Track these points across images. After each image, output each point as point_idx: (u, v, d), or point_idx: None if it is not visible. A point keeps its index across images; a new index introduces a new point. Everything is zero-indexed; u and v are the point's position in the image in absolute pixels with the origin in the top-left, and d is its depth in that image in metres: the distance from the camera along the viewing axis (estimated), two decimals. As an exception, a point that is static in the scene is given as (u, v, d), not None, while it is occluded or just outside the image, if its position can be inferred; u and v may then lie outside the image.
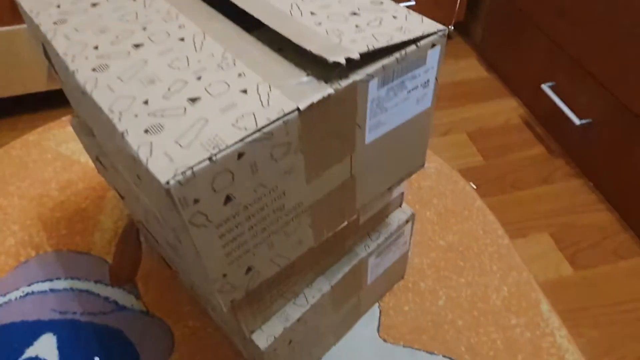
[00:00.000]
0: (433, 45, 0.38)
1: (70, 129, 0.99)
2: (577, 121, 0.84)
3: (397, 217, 0.60)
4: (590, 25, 0.80)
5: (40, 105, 1.07)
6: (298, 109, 0.31)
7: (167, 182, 0.27)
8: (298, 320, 0.51)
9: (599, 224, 0.80)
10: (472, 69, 1.14)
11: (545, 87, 0.91)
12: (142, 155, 0.29)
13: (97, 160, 0.57)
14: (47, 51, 0.43)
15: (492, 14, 1.10)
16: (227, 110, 0.31)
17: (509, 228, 0.80)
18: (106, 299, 0.71)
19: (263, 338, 0.49)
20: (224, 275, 0.36)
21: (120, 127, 0.31)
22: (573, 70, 0.86)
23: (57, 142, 0.96)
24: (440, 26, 0.38)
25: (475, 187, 0.87)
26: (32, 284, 0.73)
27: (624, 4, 0.72)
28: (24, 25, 0.89)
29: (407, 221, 0.60)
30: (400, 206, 0.61)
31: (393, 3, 0.40)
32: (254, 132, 0.30)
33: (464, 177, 0.89)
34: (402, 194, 0.59)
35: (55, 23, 0.41)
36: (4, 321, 0.69)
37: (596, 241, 0.78)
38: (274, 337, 0.49)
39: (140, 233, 0.80)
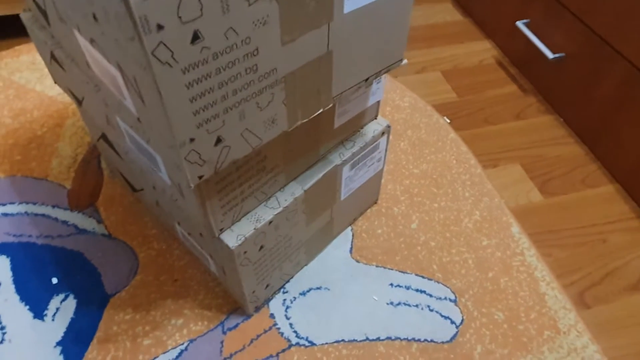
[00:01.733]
0: None
1: (25, 57, 0.92)
2: (550, 55, 0.84)
3: (373, 128, 0.58)
4: (566, -44, 0.80)
5: (-10, 35, 0.99)
6: (273, -62, 0.29)
7: (127, -8, 0.24)
8: (270, 222, 0.49)
9: (569, 155, 0.81)
10: (447, 12, 1.13)
11: (520, 24, 0.91)
12: (98, -29, 0.26)
13: (52, 59, 0.53)
14: None
15: (468, -44, 1.08)
16: (195, -63, 0.28)
17: (481, 159, 0.80)
18: (65, 222, 0.67)
19: (233, 237, 0.47)
20: (192, 140, 0.34)
21: (73, -51, 0.28)
22: (548, 4, 0.86)
23: (10, 71, 0.90)
24: None
25: (449, 121, 0.87)
26: (-17, 208, 0.69)
27: None
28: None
29: (382, 133, 0.58)
30: (375, 118, 0.59)
31: None
32: (225, -45, 0.27)
33: (438, 112, 0.88)
34: (378, 103, 0.57)
35: None
36: (-48, 244, 0.64)
37: (565, 171, 0.79)
38: (244, 237, 0.47)
39: (101, 159, 0.76)
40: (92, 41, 0.34)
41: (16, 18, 0.98)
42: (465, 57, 1.00)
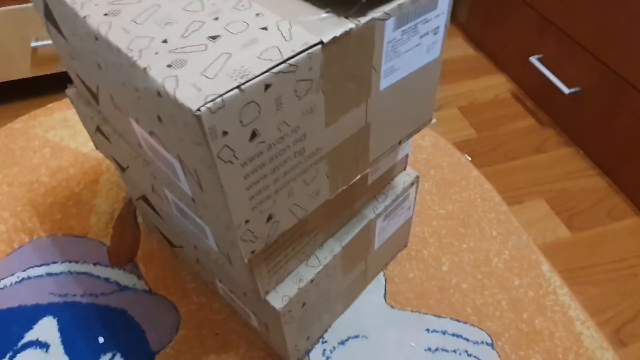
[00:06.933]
0: (445, -13, 0.38)
1: (57, 115, 0.97)
2: (566, 90, 0.86)
3: (403, 179, 0.60)
4: (576, -4, 0.82)
5: (23, 94, 1.04)
6: (322, 42, 0.31)
7: (198, 109, 0.27)
8: (311, 281, 0.51)
9: (592, 188, 0.82)
10: (459, 47, 1.16)
11: (533, 60, 0.93)
12: (169, 87, 0.29)
13: (97, 131, 0.56)
14: (48, 8, 0.42)
15: (477, -7, 1.12)
16: (250, 45, 0.31)
17: (505, 195, 0.82)
18: (107, 280, 0.70)
19: (278, 298, 0.49)
20: (247, 222, 0.36)
21: (142, 64, 0.30)
22: (561, 40, 0.88)
23: (45, 129, 0.94)
24: (451, -32, 0.38)
25: (470, 158, 0.88)
26: (28, 269, 0.71)
27: (609, -29, 0.74)
28: (3, 8, 0.86)
29: (412, 183, 0.60)
30: (404, 169, 0.61)
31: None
32: (280, 63, 0.30)
33: (458, 149, 0.90)
34: (407, 155, 0.59)
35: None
36: (0, 307, 0.67)
37: (590, 205, 0.80)
38: (289, 298, 0.49)
39: (138, 214, 0.78)
40: (151, 133, 0.37)
41: (48, 77, 1.03)
42: (480, 92, 1.03)
